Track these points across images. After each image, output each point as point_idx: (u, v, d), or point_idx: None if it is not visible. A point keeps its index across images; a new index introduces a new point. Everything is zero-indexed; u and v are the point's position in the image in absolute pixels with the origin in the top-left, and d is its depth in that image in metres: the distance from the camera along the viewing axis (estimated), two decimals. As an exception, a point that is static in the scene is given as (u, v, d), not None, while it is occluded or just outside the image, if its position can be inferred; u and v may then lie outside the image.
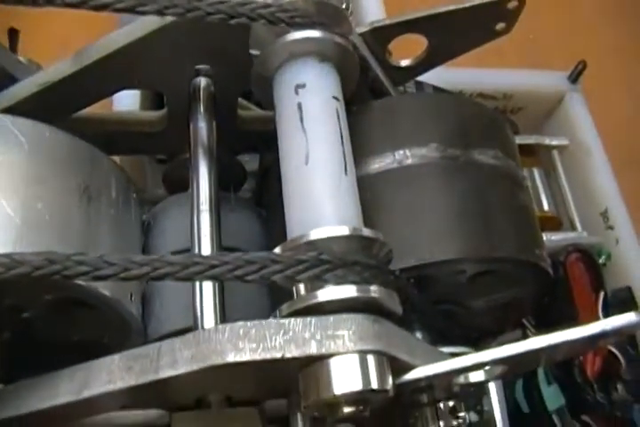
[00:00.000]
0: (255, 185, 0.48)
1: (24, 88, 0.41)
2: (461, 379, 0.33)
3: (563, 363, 0.57)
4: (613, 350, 0.58)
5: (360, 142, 0.39)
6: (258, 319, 0.30)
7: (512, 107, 0.71)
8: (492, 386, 0.49)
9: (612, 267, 0.65)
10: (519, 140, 0.66)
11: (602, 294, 0.61)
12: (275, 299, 0.40)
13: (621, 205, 0.66)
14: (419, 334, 0.41)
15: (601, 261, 0.64)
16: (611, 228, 0.65)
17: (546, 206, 0.67)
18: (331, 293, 0.30)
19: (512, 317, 0.46)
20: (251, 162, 0.49)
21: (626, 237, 0.65)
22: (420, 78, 0.50)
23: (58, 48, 0.62)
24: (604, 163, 0.68)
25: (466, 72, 0.68)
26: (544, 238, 0.60)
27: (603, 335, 0.31)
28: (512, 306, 0.42)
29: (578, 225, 0.67)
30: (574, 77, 0.71)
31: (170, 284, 0.38)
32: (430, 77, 0.49)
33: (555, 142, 0.69)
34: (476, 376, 0.33)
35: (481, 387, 0.48)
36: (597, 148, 0.69)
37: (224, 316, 0.35)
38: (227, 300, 0.36)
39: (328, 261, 0.30)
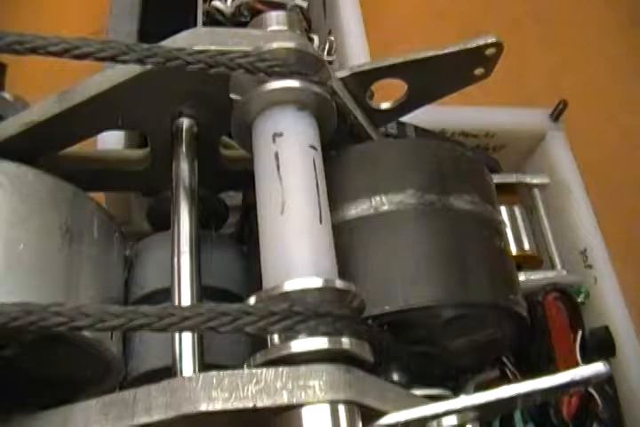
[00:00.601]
0: (238, 220, 0.49)
1: (9, 127, 0.41)
2: (434, 425, 0.33)
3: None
4: (590, 389, 0.59)
5: (338, 187, 0.39)
6: (234, 366, 0.30)
7: (494, 144, 0.72)
8: (468, 427, 0.50)
9: (591, 306, 0.65)
10: (500, 178, 0.67)
11: (579, 334, 0.61)
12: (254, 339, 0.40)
13: (601, 245, 0.66)
14: (395, 376, 0.41)
15: (580, 299, 0.65)
16: (590, 266, 0.66)
17: (526, 245, 0.68)
18: (302, 344, 0.31)
19: (489, 357, 0.47)
20: (234, 197, 0.49)
21: (604, 276, 0.65)
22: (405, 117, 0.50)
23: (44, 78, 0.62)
24: (585, 202, 0.69)
25: (448, 110, 0.68)
26: (523, 278, 0.61)
27: (572, 384, 0.31)
28: (488, 346, 0.43)
29: (557, 263, 0.67)
30: (556, 116, 0.71)
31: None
32: (413, 115, 0.50)
33: (535, 181, 0.70)
34: (449, 421, 0.33)
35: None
36: (578, 186, 0.69)
37: (202, 361, 0.36)
38: (207, 342, 0.36)
39: (300, 312, 0.30)
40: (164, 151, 0.43)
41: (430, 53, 0.45)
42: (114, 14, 0.72)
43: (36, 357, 0.37)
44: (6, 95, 0.45)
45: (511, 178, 0.69)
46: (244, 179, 0.42)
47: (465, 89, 0.48)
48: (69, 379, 0.34)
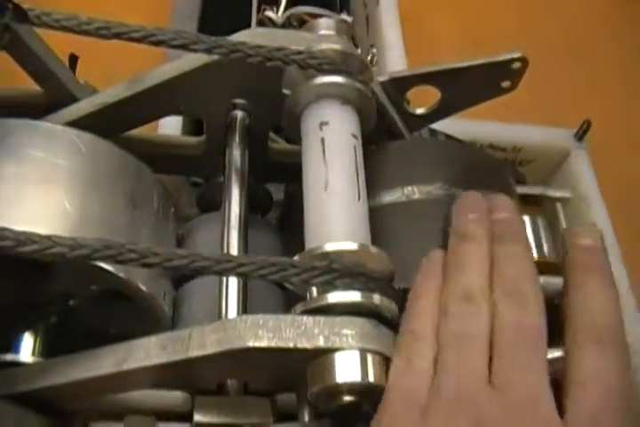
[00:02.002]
0: (280, 212, 0.53)
1: (83, 107, 0.46)
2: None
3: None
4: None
5: (375, 177, 0.44)
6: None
7: (520, 159, 0.75)
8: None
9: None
10: (525, 190, 0.70)
11: None
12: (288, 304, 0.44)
13: (618, 260, 0.69)
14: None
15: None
16: (608, 282, 0.68)
17: (547, 251, 0.71)
18: (338, 296, 0.35)
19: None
20: (276, 192, 0.53)
21: (620, 288, 0.67)
22: (437, 127, 0.54)
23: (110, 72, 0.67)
24: (604, 216, 0.71)
25: (480, 123, 0.72)
26: (542, 281, 0.64)
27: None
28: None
29: (575, 272, 0.70)
30: (580, 135, 0.74)
31: (198, 292, 0.43)
32: (446, 126, 0.53)
33: (558, 194, 0.73)
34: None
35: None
36: (598, 202, 0.72)
37: (245, 310, 0.40)
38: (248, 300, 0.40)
39: (337, 269, 0.35)
40: (219, 140, 0.48)
41: (461, 64, 0.49)
42: (175, 16, 0.78)
43: (96, 311, 0.41)
44: (80, 81, 0.50)
45: (535, 190, 0.72)
46: (287, 172, 0.47)
47: (494, 107, 0.52)
48: (122, 336, 0.37)
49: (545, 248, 0.71)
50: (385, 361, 0.35)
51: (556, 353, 0.34)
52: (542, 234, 0.71)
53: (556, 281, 0.66)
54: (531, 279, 0.36)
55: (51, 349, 0.41)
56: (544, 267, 0.69)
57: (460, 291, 0.36)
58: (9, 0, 0.40)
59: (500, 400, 0.32)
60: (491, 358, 0.33)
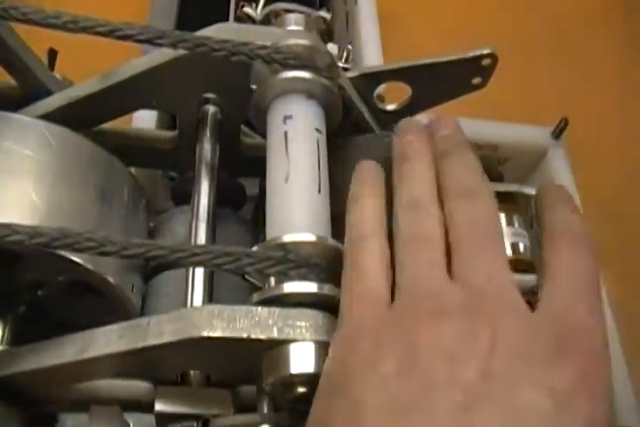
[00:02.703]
0: (254, 206, 0.53)
1: (57, 100, 0.46)
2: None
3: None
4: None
5: (340, 170, 0.44)
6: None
7: (498, 157, 0.75)
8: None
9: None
10: (501, 187, 0.71)
11: None
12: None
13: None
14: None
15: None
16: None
17: (521, 249, 0.71)
18: (293, 286, 0.36)
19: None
20: (252, 187, 0.53)
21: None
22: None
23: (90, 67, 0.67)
24: (579, 216, 0.72)
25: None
26: (516, 279, 0.65)
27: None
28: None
29: (550, 269, 0.70)
30: (557, 133, 0.75)
31: (167, 284, 0.44)
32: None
33: (535, 192, 0.73)
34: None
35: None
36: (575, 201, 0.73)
37: (210, 297, 0.40)
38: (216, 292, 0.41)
39: (293, 260, 0.35)
40: (191, 134, 0.48)
41: (431, 60, 0.49)
42: (152, 14, 0.79)
43: (65, 302, 0.42)
44: (56, 75, 0.50)
45: (511, 188, 0.72)
46: (261, 166, 0.47)
47: (474, 103, 0.52)
48: (91, 327, 0.38)
49: (520, 246, 0.71)
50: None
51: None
52: (517, 231, 0.72)
53: (530, 278, 0.68)
54: (478, 177, 0.37)
55: (20, 338, 0.41)
56: (519, 264, 0.70)
57: (406, 198, 0.36)
58: (-25, -7, 0.40)
59: (464, 291, 0.31)
60: (449, 259, 0.34)
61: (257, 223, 0.52)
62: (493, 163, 0.76)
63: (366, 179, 0.39)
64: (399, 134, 0.41)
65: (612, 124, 0.99)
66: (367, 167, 0.40)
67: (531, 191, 0.73)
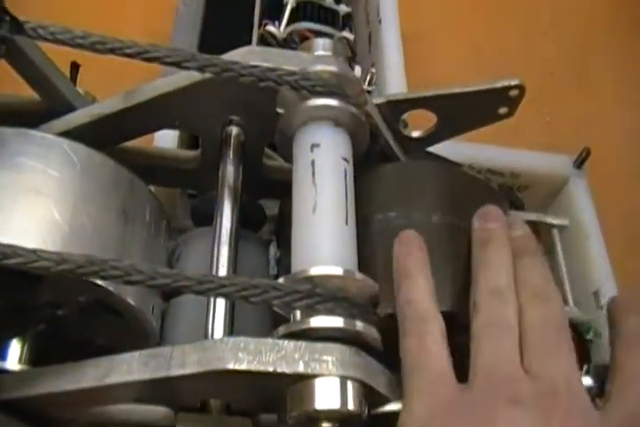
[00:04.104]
0: (274, 228, 0.53)
1: (79, 117, 0.46)
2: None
3: None
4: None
5: (365, 199, 0.43)
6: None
7: (518, 185, 0.75)
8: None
9: (599, 345, 0.67)
10: (522, 216, 0.70)
11: (584, 367, 0.63)
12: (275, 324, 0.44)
13: (612, 288, 0.68)
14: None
15: (589, 337, 0.67)
16: (601, 308, 0.68)
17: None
18: (320, 321, 0.35)
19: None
20: (272, 208, 0.53)
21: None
22: (435, 149, 0.53)
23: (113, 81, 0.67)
24: (601, 246, 0.71)
25: (477, 147, 0.72)
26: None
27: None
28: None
29: (570, 300, 0.69)
30: (579, 163, 0.74)
31: (187, 306, 0.43)
32: (444, 149, 0.53)
33: (555, 222, 0.73)
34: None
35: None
36: (595, 232, 0.71)
37: (231, 332, 0.40)
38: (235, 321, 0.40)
39: (320, 294, 0.35)
40: (213, 154, 0.48)
41: (459, 90, 0.49)
42: (176, 29, 0.78)
43: (84, 321, 0.41)
44: (79, 89, 0.50)
45: (532, 216, 0.72)
46: (282, 189, 0.46)
47: (496, 129, 0.51)
48: (109, 350, 0.37)
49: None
50: (364, 389, 0.35)
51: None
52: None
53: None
54: (551, 285, 0.38)
55: (38, 357, 0.41)
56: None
57: (489, 286, 0.38)
58: (6, 12, 0.39)
59: (539, 384, 0.33)
60: (521, 351, 0.35)
61: (278, 245, 0.51)
62: (513, 190, 0.75)
63: (412, 252, 0.40)
64: (480, 219, 0.42)
65: (634, 152, 0.97)
66: (409, 239, 0.40)
67: (552, 220, 0.73)
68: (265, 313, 0.44)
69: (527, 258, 0.39)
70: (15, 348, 0.40)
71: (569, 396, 0.33)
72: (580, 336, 0.66)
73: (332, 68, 0.43)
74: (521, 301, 0.37)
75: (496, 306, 0.37)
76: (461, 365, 0.43)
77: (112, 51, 0.39)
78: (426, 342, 0.36)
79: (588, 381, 0.38)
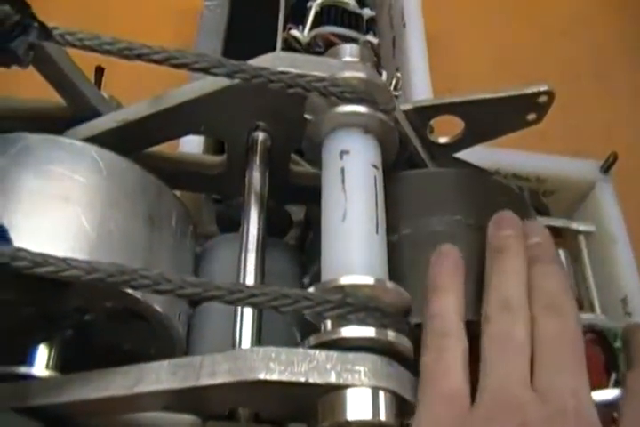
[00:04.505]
0: (299, 233, 0.52)
1: (105, 122, 0.46)
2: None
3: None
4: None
5: (394, 206, 0.43)
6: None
7: (544, 190, 0.74)
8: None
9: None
10: (548, 221, 0.70)
11: (613, 377, 0.62)
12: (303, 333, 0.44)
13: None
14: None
15: (617, 345, 0.66)
16: (629, 314, 0.67)
17: (567, 287, 0.70)
18: (352, 331, 0.34)
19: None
20: (297, 213, 0.53)
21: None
22: (460, 154, 0.53)
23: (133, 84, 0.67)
24: (628, 252, 0.70)
25: (503, 152, 0.71)
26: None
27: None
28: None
29: (597, 307, 0.69)
30: (606, 168, 0.74)
31: (214, 313, 0.43)
32: (469, 155, 0.53)
33: (582, 228, 0.72)
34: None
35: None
36: (623, 237, 0.71)
37: (259, 341, 0.39)
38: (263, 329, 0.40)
39: (352, 304, 0.34)
40: (239, 160, 0.48)
41: (487, 96, 0.49)
42: (200, 33, 0.78)
43: (111, 327, 0.41)
44: (104, 94, 0.50)
45: (558, 222, 0.71)
46: (308, 194, 0.47)
47: (522, 134, 0.51)
48: (135, 355, 0.38)
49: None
50: (397, 399, 0.34)
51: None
52: (565, 267, 0.70)
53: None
54: (567, 294, 0.37)
55: (65, 362, 0.41)
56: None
57: (500, 298, 0.37)
58: (35, 19, 0.39)
59: (547, 406, 0.32)
60: (531, 366, 0.34)
61: (301, 250, 0.51)
62: (538, 195, 0.75)
63: (446, 267, 0.39)
64: (495, 226, 0.41)
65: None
66: (446, 253, 0.40)
67: (578, 226, 0.73)
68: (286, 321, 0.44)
69: (542, 266, 0.39)
70: (42, 354, 0.40)
71: (577, 417, 0.32)
72: (608, 344, 0.65)
73: (361, 75, 0.43)
74: (534, 311, 0.36)
75: (506, 320, 0.36)
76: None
77: (140, 57, 0.39)
78: (443, 357, 0.35)
79: (615, 392, 0.38)
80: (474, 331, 0.37)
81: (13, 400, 0.36)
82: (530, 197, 0.71)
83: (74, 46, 0.40)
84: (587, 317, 0.67)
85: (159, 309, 0.39)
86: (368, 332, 0.34)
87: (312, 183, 0.44)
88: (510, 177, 0.72)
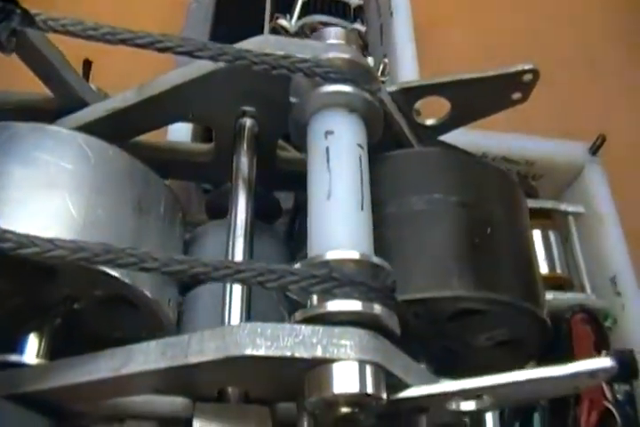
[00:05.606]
0: (288, 220, 0.53)
1: (93, 112, 0.46)
2: (453, 406, 0.37)
3: (559, 413, 0.60)
4: (610, 406, 0.61)
5: (380, 186, 0.43)
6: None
7: (534, 173, 0.75)
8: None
9: (617, 331, 0.67)
10: (537, 203, 0.70)
11: (604, 354, 0.63)
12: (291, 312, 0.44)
13: (630, 274, 0.69)
14: (422, 366, 0.44)
15: (607, 324, 0.67)
16: (618, 294, 0.68)
17: (558, 267, 0.70)
18: (338, 305, 0.35)
19: (512, 359, 0.49)
20: (286, 200, 0.53)
21: (632, 303, 0.67)
22: (447, 138, 0.53)
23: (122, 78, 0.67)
24: (617, 233, 0.71)
25: (491, 135, 0.72)
26: (551, 297, 0.64)
27: (579, 375, 0.35)
28: (510, 348, 0.46)
29: (587, 288, 0.69)
30: (594, 150, 0.74)
31: (204, 298, 0.43)
32: (458, 138, 0.53)
33: (571, 209, 0.73)
34: (468, 406, 0.37)
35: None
36: (612, 218, 0.72)
37: (248, 318, 0.40)
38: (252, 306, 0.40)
39: (337, 278, 0.34)
40: (227, 147, 0.48)
41: (472, 75, 0.49)
42: (187, 24, 0.79)
43: (101, 315, 0.41)
44: (92, 86, 0.50)
45: (547, 204, 0.72)
46: (296, 180, 0.46)
47: (510, 117, 0.51)
48: (126, 343, 0.37)
49: (556, 263, 0.71)
50: (383, 373, 0.34)
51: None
52: (554, 248, 0.71)
53: (565, 297, 0.67)
54: None
55: (55, 351, 0.41)
56: (554, 282, 0.69)
57: None
58: (17, 5, 0.40)
59: None
60: None
61: (290, 237, 0.51)
62: (527, 179, 0.75)
63: None
64: None
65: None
66: None
67: (567, 208, 0.73)
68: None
69: None
70: (33, 342, 0.40)
71: None
72: (599, 324, 0.66)
73: (345, 55, 0.43)
74: None
75: None
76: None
77: (123, 41, 0.39)
78: None
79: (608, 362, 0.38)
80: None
81: (2, 388, 0.36)
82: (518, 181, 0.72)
83: (57, 32, 0.40)
84: (577, 296, 0.68)
85: (148, 293, 0.39)
86: (354, 305, 0.35)
87: (300, 169, 0.44)
88: (499, 160, 0.72)
